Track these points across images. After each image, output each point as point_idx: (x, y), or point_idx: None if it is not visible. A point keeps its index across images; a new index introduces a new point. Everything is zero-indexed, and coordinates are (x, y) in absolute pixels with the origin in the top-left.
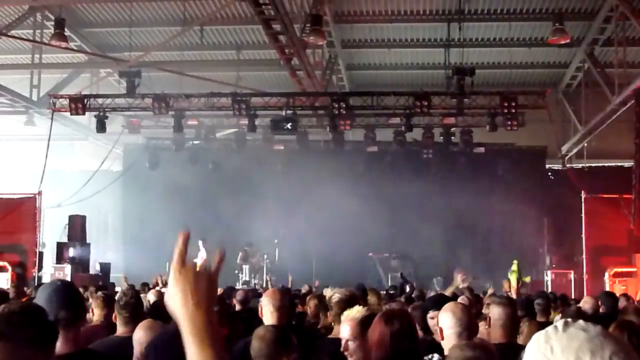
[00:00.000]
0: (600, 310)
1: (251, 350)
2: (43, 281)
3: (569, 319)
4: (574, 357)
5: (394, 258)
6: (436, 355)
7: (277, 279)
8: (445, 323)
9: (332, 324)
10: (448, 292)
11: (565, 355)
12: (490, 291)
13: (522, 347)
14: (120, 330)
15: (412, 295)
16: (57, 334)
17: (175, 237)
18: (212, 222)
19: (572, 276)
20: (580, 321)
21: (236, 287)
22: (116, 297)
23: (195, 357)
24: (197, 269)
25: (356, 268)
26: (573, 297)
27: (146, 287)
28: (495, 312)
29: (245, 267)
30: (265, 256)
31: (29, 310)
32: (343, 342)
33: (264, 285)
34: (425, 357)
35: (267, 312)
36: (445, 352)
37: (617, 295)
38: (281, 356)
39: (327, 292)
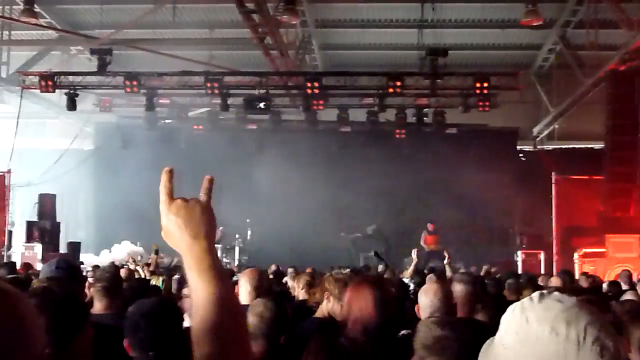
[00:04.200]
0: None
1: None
2: (12, 259)
3: (545, 291)
4: (549, 327)
5: (367, 238)
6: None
7: (248, 260)
8: (423, 302)
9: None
10: (409, 272)
11: (541, 325)
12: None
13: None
14: (97, 306)
15: (384, 275)
16: None
17: (148, 213)
18: None
19: (542, 256)
20: (556, 293)
21: None
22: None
23: (196, 286)
24: (187, 201)
25: (329, 248)
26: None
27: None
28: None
29: (219, 247)
30: (237, 236)
31: None
32: None
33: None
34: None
35: (244, 292)
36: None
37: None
38: (280, 334)
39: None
